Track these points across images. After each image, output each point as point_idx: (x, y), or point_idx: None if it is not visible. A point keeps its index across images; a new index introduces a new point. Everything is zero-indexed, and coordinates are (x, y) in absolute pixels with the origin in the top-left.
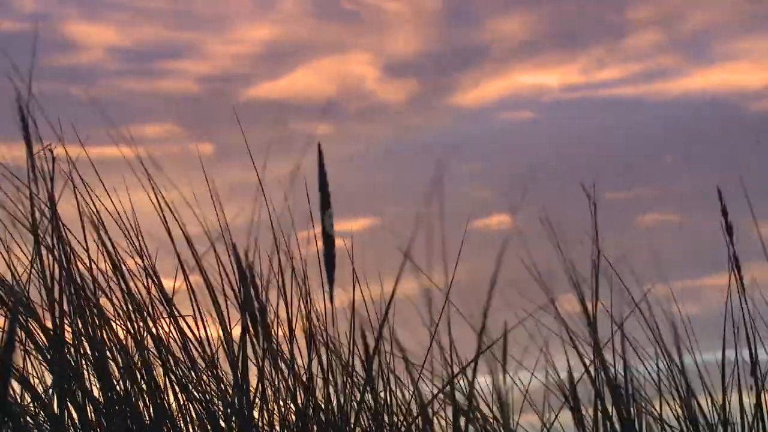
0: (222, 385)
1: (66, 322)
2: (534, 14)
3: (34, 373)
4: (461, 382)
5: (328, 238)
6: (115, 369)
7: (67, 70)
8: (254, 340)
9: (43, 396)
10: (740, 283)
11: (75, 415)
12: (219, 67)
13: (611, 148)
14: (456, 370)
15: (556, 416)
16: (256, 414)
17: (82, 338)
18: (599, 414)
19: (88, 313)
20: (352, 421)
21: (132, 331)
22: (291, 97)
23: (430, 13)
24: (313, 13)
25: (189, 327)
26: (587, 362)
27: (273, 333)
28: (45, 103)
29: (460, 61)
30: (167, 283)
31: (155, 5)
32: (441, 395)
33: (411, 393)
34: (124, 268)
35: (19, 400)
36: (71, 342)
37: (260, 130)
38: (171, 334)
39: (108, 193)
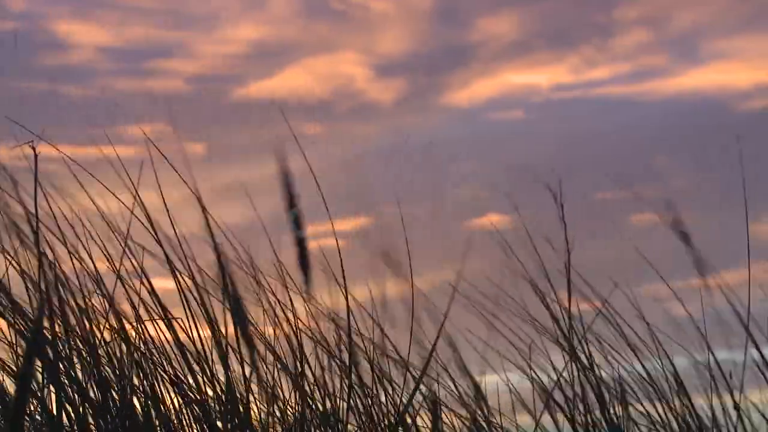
0: (216, 385)
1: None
2: (524, 14)
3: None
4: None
5: (301, 240)
6: (110, 371)
7: (58, 70)
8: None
9: (39, 394)
10: (705, 289)
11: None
12: (209, 66)
13: (602, 148)
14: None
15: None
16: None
17: (75, 338)
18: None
19: (78, 313)
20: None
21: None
22: (282, 97)
23: (419, 12)
24: (302, 12)
25: (182, 328)
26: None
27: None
28: (36, 102)
29: (450, 60)
30: (158, 284)
31: (146, 5)
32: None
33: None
34: (114, 269)
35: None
36: (64, 342)
37: (252, 130)
38: (162, 335)
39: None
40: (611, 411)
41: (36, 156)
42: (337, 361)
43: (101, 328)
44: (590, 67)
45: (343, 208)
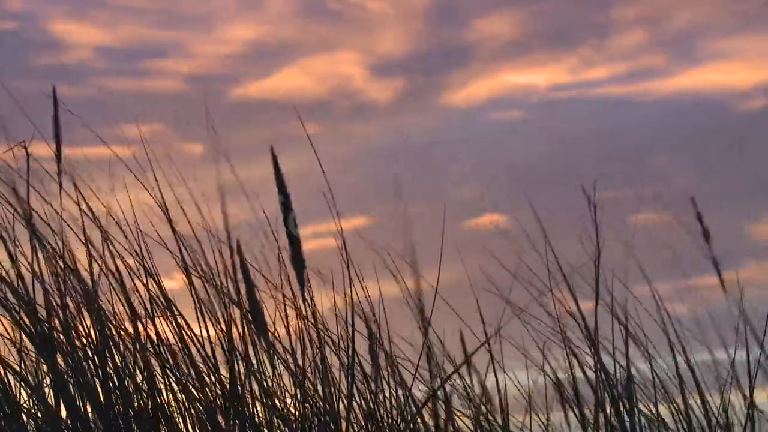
0: (221, 384)
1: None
2: (522, 14)
3: (32, 370)
4: (458, 381)
5: (294, 239)
6: (113, 368)
7: (55, 70)
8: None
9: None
10: (722, 286)
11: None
12: (206, 66)
13: (601, 148)
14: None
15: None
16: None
17: (81, 337)
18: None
19: (85, 312)
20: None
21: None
22: (279, 97)
23: (417, 12)
24: (299, 12)
25: (188, 325)
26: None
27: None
28: (33, 102)
29: (448, 60)
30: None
31: (143, 4)
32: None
33: (405, 393)
34: (122, 266)
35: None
36: (70, 340)
37: (249, 130)
38: (169, 333)
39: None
40: (633, 410)
41: (28, 156)
42: (342, 358)
43: (104, 324)
44: (588, 67)
45: (342, 208)
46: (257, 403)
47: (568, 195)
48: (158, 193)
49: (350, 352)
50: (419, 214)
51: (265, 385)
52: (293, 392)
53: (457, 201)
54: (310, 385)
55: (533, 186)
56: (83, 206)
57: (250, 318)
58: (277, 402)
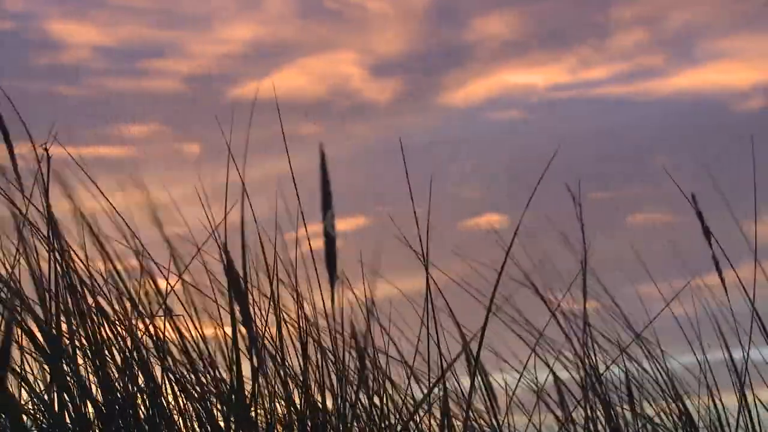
0: (221, 385)
1: (64, 321)
2: (520, 14)
3: (33, 372)
4: (451, 382)
5: (330, 238)
6: (114, 370)
7: (53, 69)
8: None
9: (42, 394)
10: (723, 285)
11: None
12: (205, 66)
13: (599, 148)
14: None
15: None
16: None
17: (81, 338)
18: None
19: (86, 312)
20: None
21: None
22: (279, 97)
23: (416, 12)
24: (298, 12)
25: (186, 326)
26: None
27: (264, 332)
28: (32, 102)
29: (446, 60)
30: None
31: (141, 4)
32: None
33: (403, 393)
34: (120, 266)
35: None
36: (70, 341)
37: (248, 130)
38: (168, 334)
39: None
40: (618, 413)
41: (49, 157)
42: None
43: (105, 326)
44: (588, 67)
45: (342, 208)
46: (257, 406)
47: (567, 195)
48: (157, 193)
49: (344, 359)
50: (418, 214)
51: (262, 390)
52: (289, 396)
53: (457, 201)
54: (311, 390)
55: (533, 186)
56: (83, 207)
57: (240, 322)
58: (277, 405)
